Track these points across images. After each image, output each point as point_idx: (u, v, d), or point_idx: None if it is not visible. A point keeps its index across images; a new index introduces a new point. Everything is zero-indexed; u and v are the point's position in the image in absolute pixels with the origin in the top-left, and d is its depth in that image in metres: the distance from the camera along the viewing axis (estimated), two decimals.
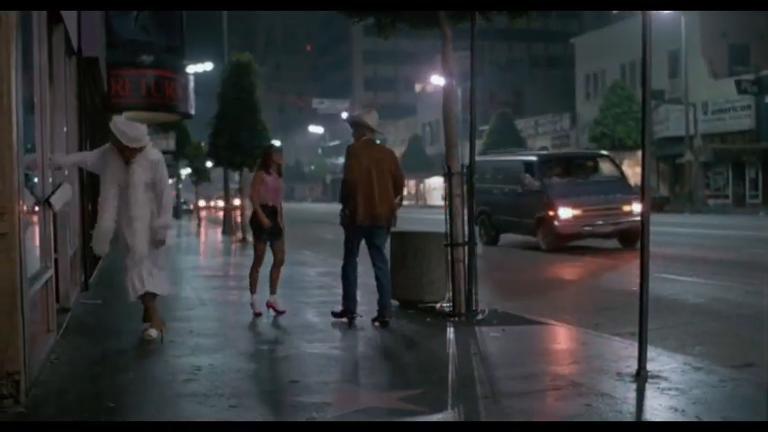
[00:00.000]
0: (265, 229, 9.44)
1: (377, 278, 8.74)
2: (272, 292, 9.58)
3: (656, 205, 34.87)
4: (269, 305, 9.48)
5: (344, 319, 8.81)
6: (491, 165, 21.91)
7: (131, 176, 7.71)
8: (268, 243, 9.62)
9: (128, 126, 7.76)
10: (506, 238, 21.50)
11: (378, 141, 9.25)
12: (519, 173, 20.44)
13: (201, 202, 58.22)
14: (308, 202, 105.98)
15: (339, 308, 8.99)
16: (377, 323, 8.62)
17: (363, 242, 8.85)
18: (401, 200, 9.15)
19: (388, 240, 9.34)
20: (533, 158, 21.35)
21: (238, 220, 28.81)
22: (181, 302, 10.57)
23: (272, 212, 9.48)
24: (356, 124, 9.01)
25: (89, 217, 12.26)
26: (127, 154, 7.68)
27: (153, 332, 7.81)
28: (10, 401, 5.23)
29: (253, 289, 9.61)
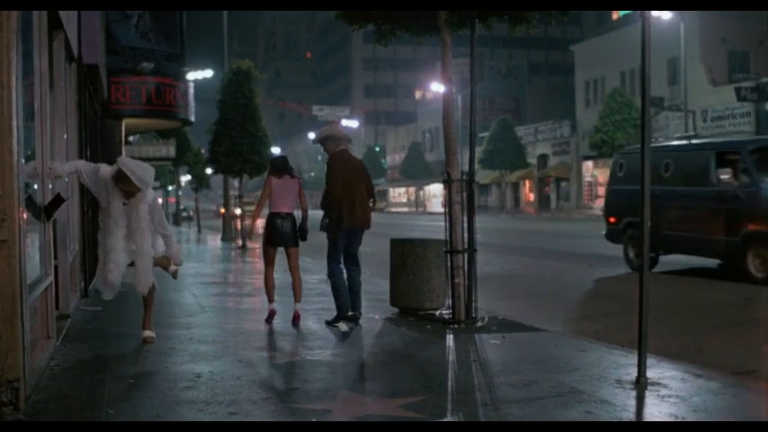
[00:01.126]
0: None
1: (350, 280, 9.37)
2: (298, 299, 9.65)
3: None
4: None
5: (341, 323, 9.15)
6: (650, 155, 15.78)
7: (137, 211, 7.68)
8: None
9: (140, 169, 7.52)
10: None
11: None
12: (706, 166, 14.21)
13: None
14: (309, 208, 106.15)
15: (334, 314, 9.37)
16: (351, 321, 9.23)
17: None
18: (374, 204, 9.76)
19: (388, 248, 9.56)
20: (738, 145, 14.72)
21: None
22: (181, 309, 10.56)
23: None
24: (327, 139, 9.53)
25: (89, 223, 12.26)
26: (133, 192, 7.60)
27: (173, 266, 8.55)
28: (9, 408, 5.22)
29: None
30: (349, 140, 9.75)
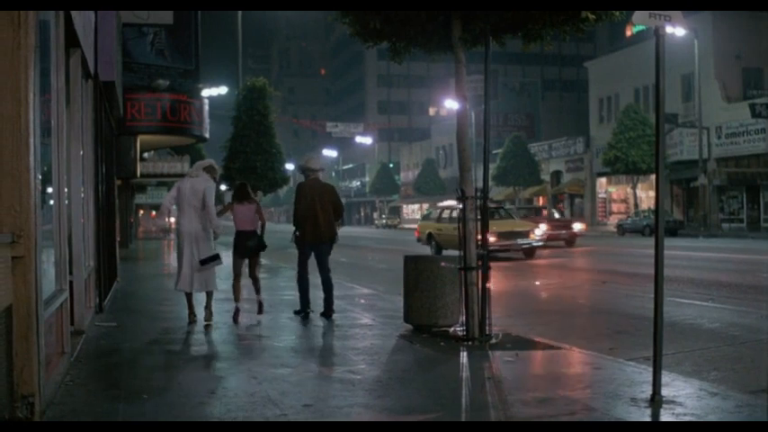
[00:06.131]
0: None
1: (322, 282, 11.25)
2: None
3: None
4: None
5: (303, 314, 11.23)
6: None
7: None
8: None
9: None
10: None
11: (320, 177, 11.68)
12: None
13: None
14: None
15: (323, 310, 11.22)
16: (323, 317, 11.05)
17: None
18: (342, 222, 11.75)
19: (402, 264, 9.77)
20: None
21: None
22: (194, 325, 10.58)
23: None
24: (303, 170, 11.64)
25: (104, 238, 12.32)
26: None
27: None
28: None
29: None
30: (322, 170, 11.82)
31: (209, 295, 10.79)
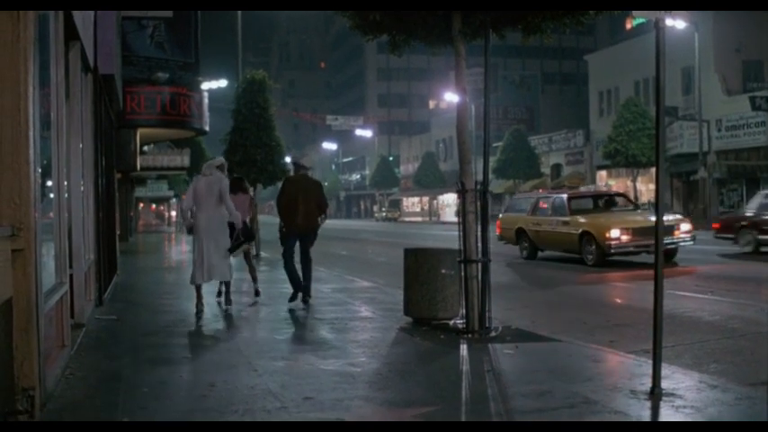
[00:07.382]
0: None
1: (302, 268, 11.92)
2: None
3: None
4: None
5: (298, 300, 11.77)
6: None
7: None
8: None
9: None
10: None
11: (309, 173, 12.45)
12: None
13: None
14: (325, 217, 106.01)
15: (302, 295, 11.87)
16: (303, 302, 11.67)
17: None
18: (324, 217, 12.16)
19: (402, 257, 9.73)
20: None
21: None
22: (194, 317, 10.59)
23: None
24: (295, 164, 12.58)
25: (104, 231, 12.31)
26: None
27: None
28: (25, 417, 5.25)
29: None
30: (311, 169, 12.55)
31: (228, 285, 11.59)
